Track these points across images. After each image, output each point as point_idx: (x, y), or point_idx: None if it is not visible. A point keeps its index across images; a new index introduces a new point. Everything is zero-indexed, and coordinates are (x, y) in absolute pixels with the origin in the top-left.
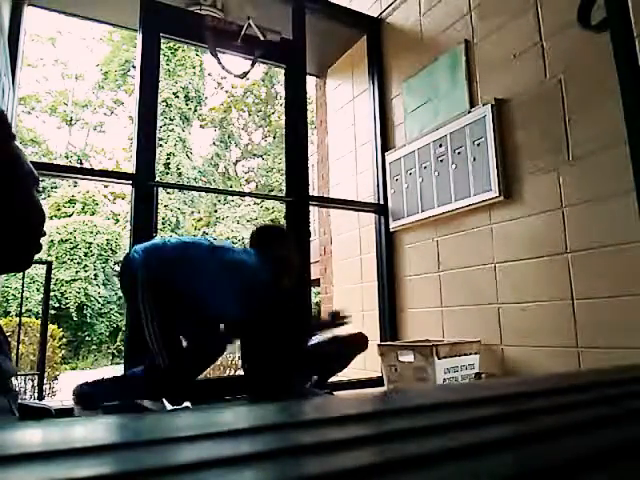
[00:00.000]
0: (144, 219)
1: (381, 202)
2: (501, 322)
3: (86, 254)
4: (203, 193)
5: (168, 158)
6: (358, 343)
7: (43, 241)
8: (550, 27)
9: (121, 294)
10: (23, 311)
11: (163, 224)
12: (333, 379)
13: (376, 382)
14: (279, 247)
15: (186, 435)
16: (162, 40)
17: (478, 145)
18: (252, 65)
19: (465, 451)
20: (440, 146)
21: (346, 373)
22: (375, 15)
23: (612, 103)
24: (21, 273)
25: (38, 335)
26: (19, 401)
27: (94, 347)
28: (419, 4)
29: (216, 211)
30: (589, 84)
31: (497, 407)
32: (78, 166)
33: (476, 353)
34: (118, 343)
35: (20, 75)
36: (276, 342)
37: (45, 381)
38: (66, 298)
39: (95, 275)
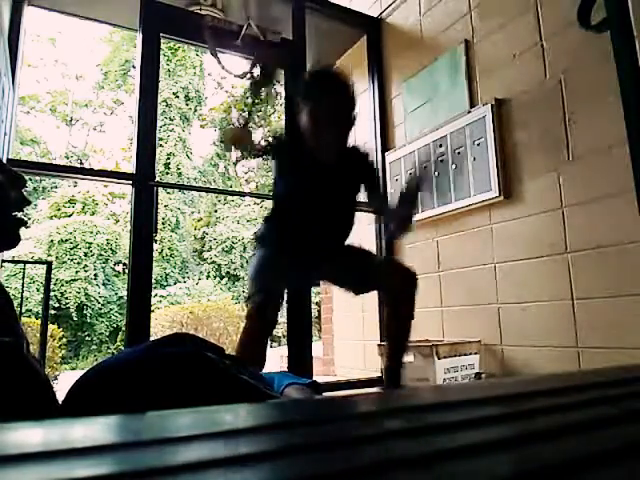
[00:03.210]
0: (144, 219)
1: None
2: (501, 322)
3: (86, 254)
4: (203, 193)
5: (168, 158)
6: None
7: (25, 214)
8: (550, 27)
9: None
10: (23, 311)
11: (163, 224)
12: (333, 379)
13: (376, 382)
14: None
15: (186, 435)
16: (162, 40)
17: (478, 145)
18: (252, 65)
19: (465, 451)
20: (440, 146)
21: (345, 374)
22: (375, 15)
23: (612, 103)
24: (21, 273)
25: (38, 335)
26: None
27: (94, 347)
28: (419, 4)
29: (216, 211)
30: (589, 84)
31: (497, 407)
32: (78, 166)
33: (476, 353)
34: (118, 343)
35: (20, 75)
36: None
37: None
38: (66, 298)
39: (95, 275)
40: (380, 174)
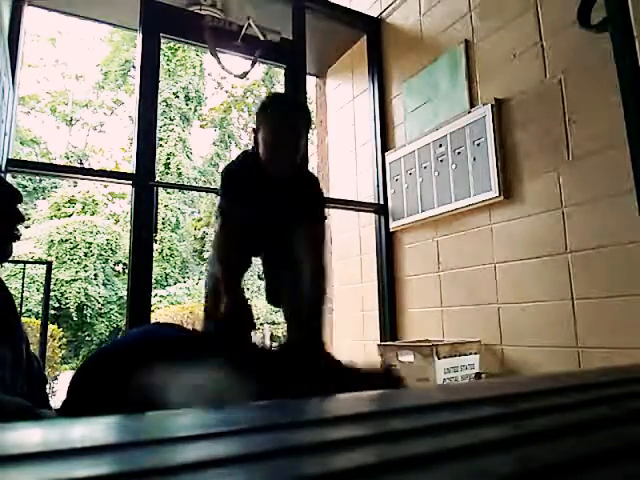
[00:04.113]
0: (144, 219)
1: (381, 202)
2: (501, 322)
3: (86, 254)
4: (203, 193)
5: (168, 158)
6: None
7: (20, 227)
8: (550, 27)
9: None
10: (23, 311)
11: (163, 224)
12: None
13: None
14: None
15: (186, 435)
16: (162, 40)
17: (478, 145)
18: (252, 65)
19: (465, 451)
20: (440, 146)
21: None
22: (375, 15)
23: (612, 103)
24: (21, 273)
25: (38, 335)
26: None
27: (94, 347)
28: (419, 4)
29: None
30: (589, 84)
31: (497, 407)
32: (78, 166)
33: (476, 353)
34: None
35: (20, 75)
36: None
37: None
38: (66, 298)
39: (95, 275)
40: (325, 210)
